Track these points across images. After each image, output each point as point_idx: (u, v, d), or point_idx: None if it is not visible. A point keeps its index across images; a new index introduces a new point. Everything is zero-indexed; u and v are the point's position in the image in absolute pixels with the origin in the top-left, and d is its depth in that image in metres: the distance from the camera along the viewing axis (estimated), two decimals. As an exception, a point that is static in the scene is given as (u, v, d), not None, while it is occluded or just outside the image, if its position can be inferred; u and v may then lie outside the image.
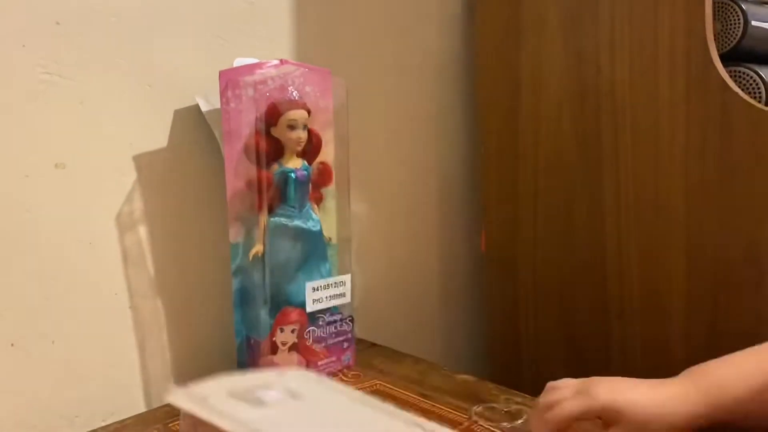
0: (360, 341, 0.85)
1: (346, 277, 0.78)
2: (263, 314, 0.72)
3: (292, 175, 0.72)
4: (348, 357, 0.80)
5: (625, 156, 0.86)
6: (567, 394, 0.55)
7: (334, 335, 0.78)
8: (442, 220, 1.06)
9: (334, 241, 0.79)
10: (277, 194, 0.72)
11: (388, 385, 0.75)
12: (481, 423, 0.66)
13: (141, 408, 0.73)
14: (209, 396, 0.49)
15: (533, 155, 0.95)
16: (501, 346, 1.03)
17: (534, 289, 0.97)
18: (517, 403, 0.69)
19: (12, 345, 0.65)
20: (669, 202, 0.82)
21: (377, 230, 0.97)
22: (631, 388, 0.54)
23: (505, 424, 0.65)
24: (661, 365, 0.61)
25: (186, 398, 0.48)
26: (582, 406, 0.53)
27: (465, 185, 1.08)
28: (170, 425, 0.67)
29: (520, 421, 0.65)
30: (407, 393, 0.73)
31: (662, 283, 0.83)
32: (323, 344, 0.77)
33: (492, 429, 0.64)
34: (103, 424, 0.69)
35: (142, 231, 0.74)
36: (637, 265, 0.85)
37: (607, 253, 0.88)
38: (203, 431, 0.52)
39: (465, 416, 0.67)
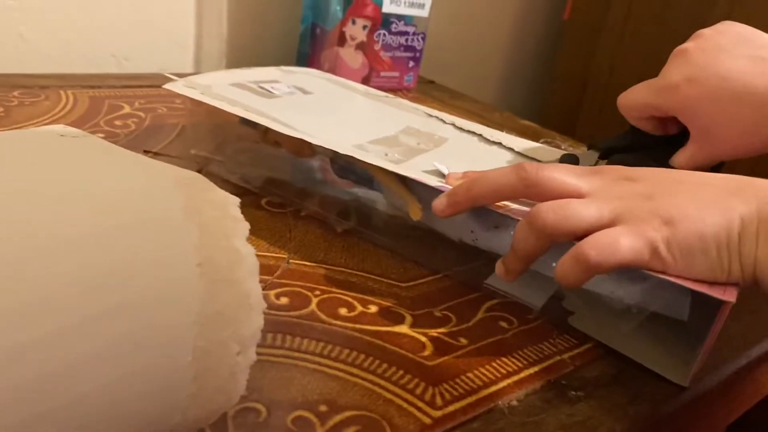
0: (419, 77, 0.80)
1: (430, -14, 0.71)
2: (335, 1, 0.66)
3: None
4: (410, 77, 0.75)
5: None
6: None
7: (403, 48, 0.72)
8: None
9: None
10: None
11: (449, 111, 0.71)
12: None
13: (189, 69, 0.70)
14: (213, 85, 0.45)
15: None
16: (558, 117, 0.99)
17: (611, 68, 0.91)
18: (577, 149, 0.66)
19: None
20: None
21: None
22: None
23: (570, 160, 0.62)
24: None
25: (188, 86, 0.43)
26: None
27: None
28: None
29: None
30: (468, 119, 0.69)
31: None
32: (391, 54, 0.72)
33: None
34: (151, 71, 0.66)
35: None
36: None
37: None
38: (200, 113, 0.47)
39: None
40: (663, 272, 0.28)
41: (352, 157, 0.36)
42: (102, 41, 0.64)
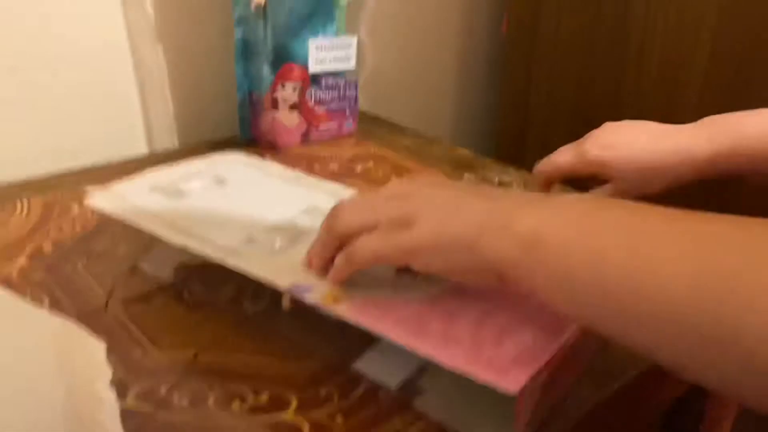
0: (363, 114, 0.85)
1: (352, 40, 0.75)
2: (265, 68, 0.71)
3: None
4: (350, 123, 0.80)
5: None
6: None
7: (337, 99, 0.77)
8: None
9: (343, 1, 0.75)
10: (283, -61, 0.68)
11: (386, 151, 0.76)
12: (471, 189, 0.66)
13: (144, 150, 0.75)
14: (128, 194, 0.50)
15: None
16: (510, 130, 1.02)
17: (550, 69, 0.94)
18: (511, 175, 0.69)
19: (12, 69, 0.65)
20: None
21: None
22: (630, 143, 0.51)
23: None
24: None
25: (105, 198, 0.49)
26: (570, 162, 0.52)
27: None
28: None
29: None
30: (404, 159, 0.74)
31: (684, 57, 0.80)
32: (325, 107, 0.76)
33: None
34: (107, 161, 0.71)
35: (143, -28, 0.71)
36: (660, 44, 0.81)
37: (632, 30, 0.84)
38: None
39: (457, 183, 0.68)
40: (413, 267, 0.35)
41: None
42: (55, 138, 0.70)
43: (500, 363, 0.31)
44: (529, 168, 0.72)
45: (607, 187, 0.53)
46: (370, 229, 0.37)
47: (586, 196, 0.33)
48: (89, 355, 0.29)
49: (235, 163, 0.61)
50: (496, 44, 1.04)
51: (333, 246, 0.39)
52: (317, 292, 0.38)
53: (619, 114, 0.87)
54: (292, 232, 0.46)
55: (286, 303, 0.41)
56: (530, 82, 0.97)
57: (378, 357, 0.39)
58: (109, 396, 0.28)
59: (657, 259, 0.27)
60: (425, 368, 0.38)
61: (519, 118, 1.00)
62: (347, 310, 0.36)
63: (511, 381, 0.29)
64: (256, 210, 0.50)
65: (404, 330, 0.34)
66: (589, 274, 0.29)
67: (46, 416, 0.27)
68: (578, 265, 0.29)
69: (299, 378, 0.39)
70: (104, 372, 0.29)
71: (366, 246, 0.37)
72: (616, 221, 0.30)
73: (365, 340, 0.38)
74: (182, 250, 0.43)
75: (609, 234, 0.29)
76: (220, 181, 0.55)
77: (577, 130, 0.94)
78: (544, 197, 0.35)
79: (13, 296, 0.35)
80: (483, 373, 0.30)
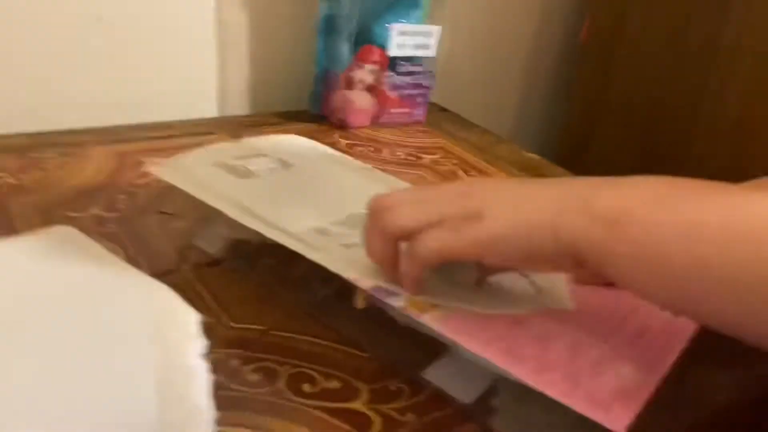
0: (432, 105, 0.84)
1: (436, 29, 0.74)
2: (345, 47, 0.70)
3: None
4: (420, 112, 0.79)
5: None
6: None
7: (411, 86, 0.76)
8: (544, 3, 0.99)
9: (430, -11, 0.74)
10: None
11: (453, 146, 0.75)
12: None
13: (214, 113, 0.75)
14: (193, 166, 0.48)
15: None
16: (574, 140, 1.01)
17: (625, 90, 0.92)
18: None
19: (97, 18, 0.65)
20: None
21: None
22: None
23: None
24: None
25: (168, 169, 0.47)
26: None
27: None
28: (241, 132, 0.69)
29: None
30: (471, 155, 0.73)
31: (761, 108, 0.77)
32: (398, 93, 0.76)
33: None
34: (177, 118, 0.72)
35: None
36: (744, 77, 0.79)
37: (714, 65, 0.81)
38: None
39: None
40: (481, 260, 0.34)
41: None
42: (129, 91, 0.70)
43: (601, 396, 0.30)
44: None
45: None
46: (433, 224, 0.35)
47: (659, 177, 0.32)
48: (183, 323, 0.29)
49: (299, 146, 0.59)
50: (572, 52, 1.02)
51: (393, 242, 0.37)
52: (402, 299, 0.37)
53: (688, 145, 0.86)
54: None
55: (360, 302, 0.40)
56: (603, 96, 0.95)
57: (449, 368, 0.38)
58: (202, 369, 0.28)
59: (750, 226, 0.27)
60: (497, 386, 0.37)
61: (585, 131, 0.98)
62: (435, 321, 0.35)
63: (616, 418, 0.29)
64: (325, 199, 0.49)
65: (499, 351, 0.33)
66: (684, 250, 0.28)
67: (139, 381, 0.27)
68: (670, 241, 0.28)
69: (368, 369, 0.38)
70: (197, 344, 0.29)
71: (433, 240, 0.34)
72: (699, 194, 0.30)
73: (432, 343, 0.37)
74: (237, 226, 0.42)
75: (696, 207, 0.29)
76: (286, 165, 0.54)
77: (643, 154, 0.93)
78: (617, 179, 0.33)
79: (113, 255, 0.35)
80: (585, 407, 0.29)
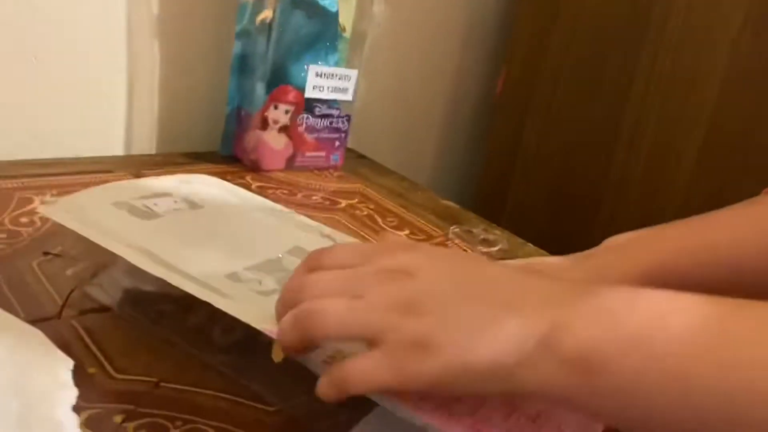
0: (349, 151, 0.83)
1: (353, 72, 0.73)
2: (260, 86, 0.68)
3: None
4: (336, 157, 0.77)
5: (675, 22, 0.80)
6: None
7: (327, 130, 0.74)
8: (463, 51, 1.00)
9: (347, 33, 0.73)
10: (300, -41, 0.66)
11: (370, 191, 0.73)
12: (456, 242, 0.64)
13: (119, 151, 0.71)
14: (90, 206, 0.44)
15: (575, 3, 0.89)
16: (490, 189, 1.01)
17: (539, 141, 0.94)
18: (496, 234, 0.68)
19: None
20: (703, 85, 0.77)
21: (394, 39, 0.91)
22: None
23: (480, 248, 0.64)
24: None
25: (60, 208, 0.43)
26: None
27: (494, 24, 1.02)
28: (145, 171, 0.65)
29: (495, 249, 0.64)
30: (389, 201, 0.71)
31: (670, 160, 0.80)
32: (315, 135, 0.74)
33: (467, 249, 0.63)
34: (80, 155, 0.67)
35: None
36: (653, 130, 0.82)
37: (625, 118, 0.84)
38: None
39: (442, 233, 0.65)
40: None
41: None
42: (27, 123, 0.65)
43: None
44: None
45: None
46: (368, 340, 0.30)
47: (635, 290, 0.27)
48: (52, 371, 0.25)
49: (208, 186, 0.55)
50: (488, 103, 1.04)
51: (310, 343, 0.32)
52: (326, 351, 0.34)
53: (600, 198, 0.88)
54: (280, 275, 0.42)
55: (277, 354, 0.36)
56: (517, 146, 0.96)
57: (377, 427, 0.34)
58: (71, 424, 0.24)
59: (749, 372, 0.23)
60: None
61: (500, 181, 0.99)
62: None
63: None
64: (237, 243, 0.45)
65: (431, 408, 0.30)
66: (675, 401, 0.24)
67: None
68: (656, 392, 0.24)
69: (271, 424, 0.35)
70: (68, 395, 0.25)
71: (365, 373, 0.29)
72: (689, 328, 0.25)
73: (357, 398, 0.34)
74: (137, 273, 0.38)
75: (685, 346, 0.24)
76: (194, 205, 0.50)
77: (557, 205, 0.95)
78: (582, 291, 0.28)
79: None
80: None
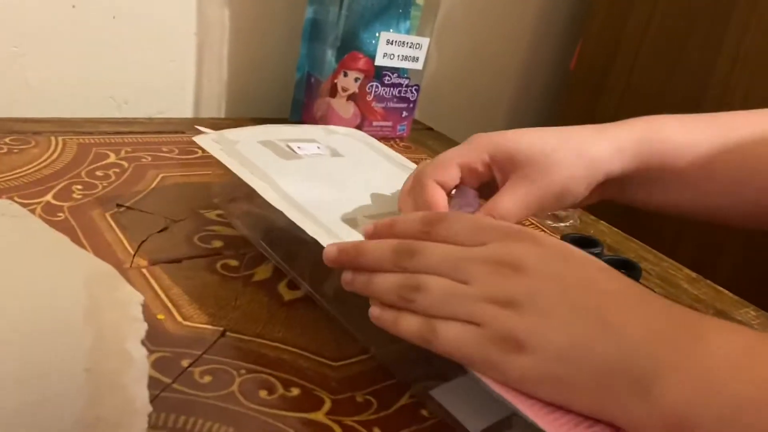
0: (416, 122, 0.81)
1: (424, 41, 0.72)
2: (330, 53, 0.68)
3: None
4: (403, 127, 0.76)
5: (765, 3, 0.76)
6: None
7: (395, 99, 0.74)
8: (537, 23, 0.97)
9: (420, 0, 0.72)
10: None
11: (437, 163, 0.72)
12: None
13: (188, 113, 0.72)
14: (239, 142, 0.46)
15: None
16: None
17: (612, 119, 0.90)
18: (568, 210, 0.65)
19: (73, 7, 0.62)
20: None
21: (468, 9, 0.89)
22: (539, 136, 0.42)
23: (549, 222, 0.62)
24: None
25: (212, 140, 0.45)
26: (462, 157, 0.40)
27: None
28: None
29: (566, 224, 0.62)
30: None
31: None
32: (383, 105, 0.73)
33: (536, 224, 0.61)
34: (150, 115, 0.68)
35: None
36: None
37: (707, 98, 0.80)
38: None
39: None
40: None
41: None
42: (103, 85, 0.66)
43: None
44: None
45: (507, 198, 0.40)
46: (460, 295, 0.30)
47: (745, 350, 0.26)
48: (124, 306, 0.25)
49: (353, 138, 0.57)
50: (562, 77, 1.01)
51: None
52: None
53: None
54: None
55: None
56: (591, 122, 0.93)
57: (460, 392, 0.33)
58: (140, 357, 0.24)
59: None
60: (506, 423, 0.32)
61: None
62: None
63: None
64: (365, 193, 0.46)
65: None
66: None
67: (65, 366, 0.23)
68: None
69: (334, 378, 0.35)
70: (138, 328, 0.25)
71: (456, 339, 0.30)
72: None
73: (445, 361, 0.33)
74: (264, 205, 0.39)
75: None
76: (335, 153, 0.51)
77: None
78: (691, 337, 0.26)
79: (52, 229, 0.31)
80: None
